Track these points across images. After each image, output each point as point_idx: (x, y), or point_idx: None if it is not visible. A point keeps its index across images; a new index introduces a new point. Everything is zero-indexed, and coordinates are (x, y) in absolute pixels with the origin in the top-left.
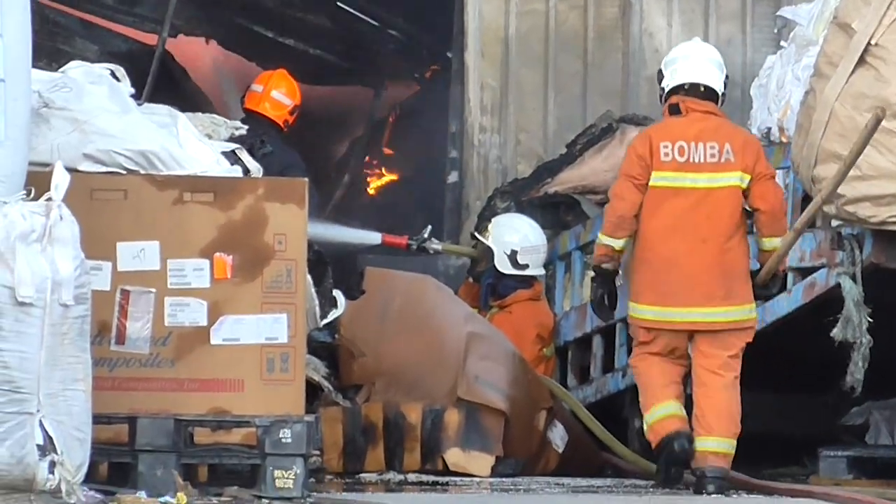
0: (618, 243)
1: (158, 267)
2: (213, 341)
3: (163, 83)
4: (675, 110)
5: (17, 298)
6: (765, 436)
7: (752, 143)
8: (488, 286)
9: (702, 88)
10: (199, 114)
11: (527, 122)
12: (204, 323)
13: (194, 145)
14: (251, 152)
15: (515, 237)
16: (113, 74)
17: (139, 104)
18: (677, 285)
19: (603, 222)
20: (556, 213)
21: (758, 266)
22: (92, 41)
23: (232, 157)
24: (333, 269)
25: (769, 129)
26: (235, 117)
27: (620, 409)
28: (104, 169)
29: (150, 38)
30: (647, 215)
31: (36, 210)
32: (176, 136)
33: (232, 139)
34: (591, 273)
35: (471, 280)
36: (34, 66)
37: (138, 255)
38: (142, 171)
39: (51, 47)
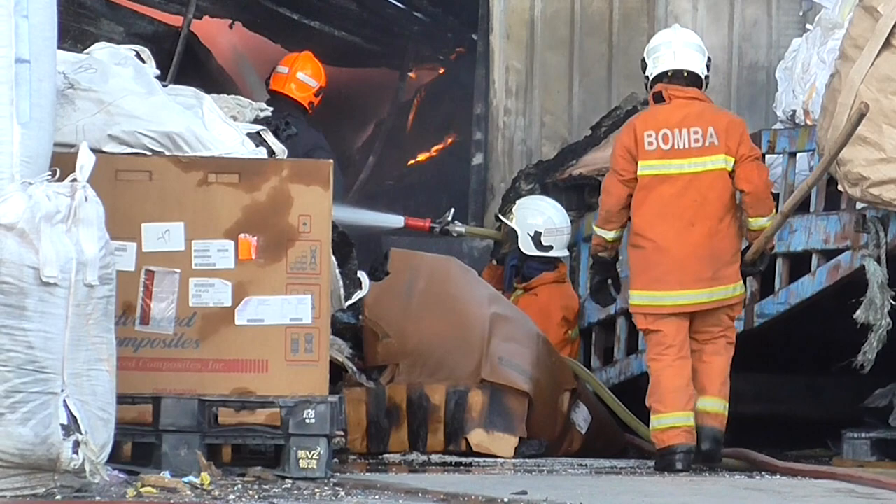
0: (609, 234)
1: (183, 248)
2: (237, 322)
3: (188, 65)
4: (659, 98)
5: (42, 279)
6: (789, 418)
7: (736, 126)
8: (512, 268)
9: (685, 74)
10: (225, 95)
11: (552, 105)
12: (228, 304)
13: (219, 127)
14: (276, 134)
15: (539, 219)
16: (138, 56)
17: (164, 86)
18: (667, 270)
19: (597, 214)
20: (581, 196)
21: (747, 244)
22: (117, 22)
23: (257, 138)
24: (358, 250)
25: (794, 111)
26: (259, 99)
27: (644, 391)
28: (129, 150)
29: (176, 20)
30: (636, 204)
31: (61, 191)
32: (201, 117)
33: (257, 121)
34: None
35: (494, 262)
36: (60, 47)
37: (163, 235)
38: (167, 153)
39: (76, 29)
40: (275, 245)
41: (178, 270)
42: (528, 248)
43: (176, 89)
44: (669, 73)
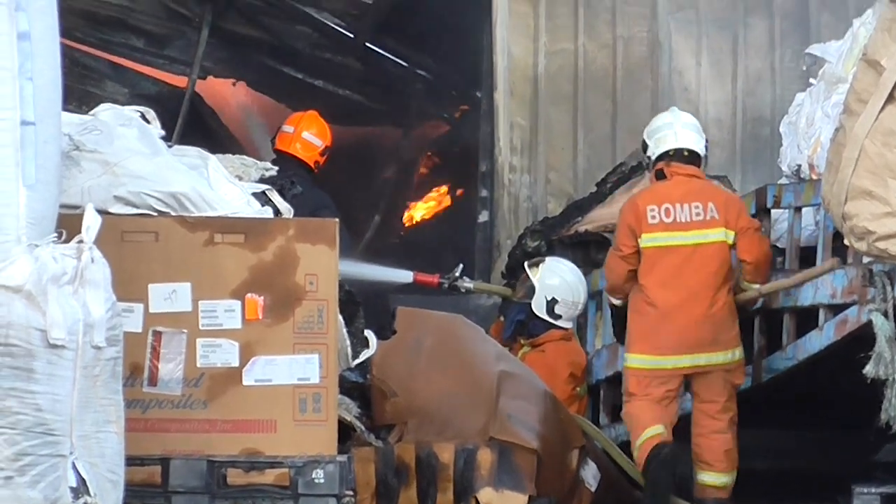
0: (619, 302)
1: (190, 308)
2: (245, 382)
3: (193, 124)
4: (660, 175)
5: (50, 341)
6: (798, 473)
7: (734, 201)
8: (518, 322)
9: (685, 153)
10: (230, 155)
11: (556, 161)
12: (236, 364)
13: (225, 187)
14: (282, 193)
15: (561, 287)
16: (143, 116)
17: (169, 146)
18: (669, 337)
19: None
20: (587, 252)
21: None
22: (122, 83)
23: (262, 198)
24: (365, 308)
25: (799, 166)
26: (265, 158)
27: None
28: (135, 211)
29: (180, 81)
30: (642, 273)
31: (67, 252)
32: (206, 177)
33: (262, 180)
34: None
35: (501, 318)
36: (64, 108)
37: (170, 296)
38: (172, 213)
39: (81, 90)
40: (282, 304)
41: (186, 331)
42: (539, 308)
43: (181, 149)
44: (671, 153)
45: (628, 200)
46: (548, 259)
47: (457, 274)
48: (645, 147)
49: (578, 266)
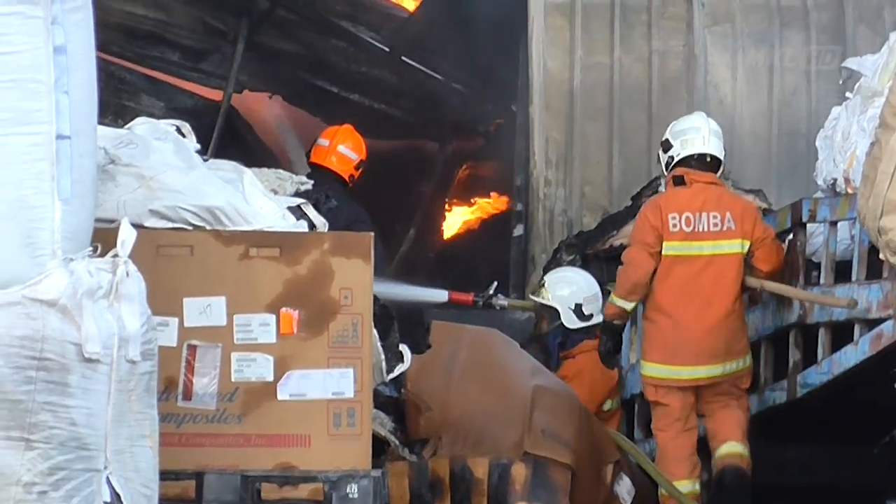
0: (629, 305)
1: (225, 322)
2: (279, 396)
3: (228, 138)
4: (679, 181)
5: (84, 355)
6: (831, 488)
7: (750, 211)
8: (559, 345)
9: (708, 159)
10: (265, 169)
11: (592, 175)
12: (270, 378)
13: (260, 200)
14: (317, 207)
15: (576, 290)
16: (179, 130)
17: (205, 160)
18: (684, 346)
19: (617, 285)
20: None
21: None
22: (157, 97)
23: (298, 211)
24: (399, 323)
25: (835, 180)
26: (300, 172)
27: None
28: (170, 225)
29: (216, 94)
30: (658, 280)
31: (102, 266)
32: (242, 191)
33: (297, 194)
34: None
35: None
36: (100, 122)
37: (205, 310)
38: (208, 227)
39: (117, 104)
40: (316, 318)
41: (220, 345)
42: (571, 321)
43: (216, 163)
44: (695, 157)
45: (650, 204)
46: (545, 279)
47: (491, 291)
48: (667, 146)
49: (613, 280)
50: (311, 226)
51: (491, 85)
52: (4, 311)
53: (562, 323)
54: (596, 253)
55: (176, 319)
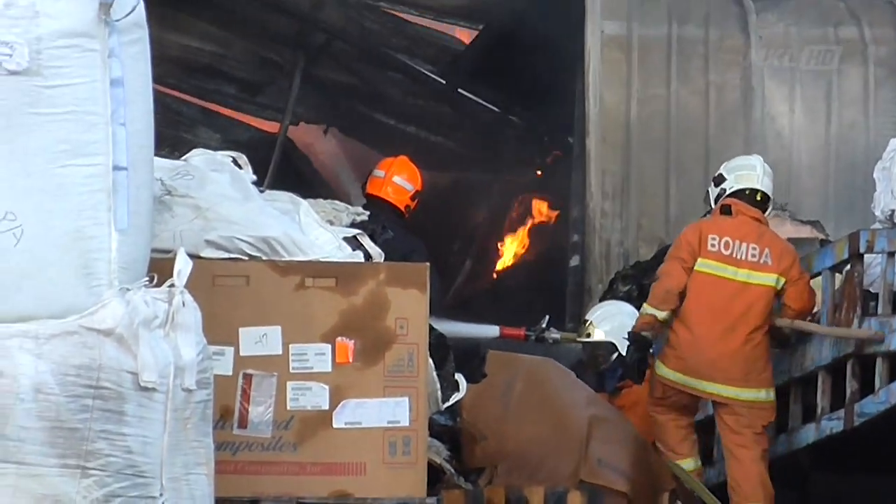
0: (661, 314)
1: (280, 352)
2: (335, 425)
3: (285, 170)
4: (726, 211)
5: (140, 384)
6: None
7: (790, 252)
8: (620, 377)
9: (758, 197)
10: (321, 200)
11: (648, 207)
12: (326, 407)
13: (316, 231)
14: (373, 238)
15: (627, 321)
16: (235, 162)
17: (261, 191)
18: (702, 364)
19: (650, 295)
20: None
21: None
22: (214, 129)
23: (354, 242)
24: (455, 352)
25: (893, 211)
26: (357, 203)
27: None
28: (226, 255)
29: (272, 126)
30: (689, 296)
31: (159, 296)
32: (298, 222)
33: (353, 225)
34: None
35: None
36: (157, 154)
37: (260, 339)
38: (264, 258)
39: (173, 136)
40: (372, 348)
41: (276, 374)
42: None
43: (273, 194)
44: (747, 192)
45: (692, 224)
46: (588, 317)
47: (543, 325)
48: (720, 180)
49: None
50: (367, 256)
51: (547, 117)
52: (62, 341)
53: (620, 354)
54: (652, 283)
55: (232, 348)
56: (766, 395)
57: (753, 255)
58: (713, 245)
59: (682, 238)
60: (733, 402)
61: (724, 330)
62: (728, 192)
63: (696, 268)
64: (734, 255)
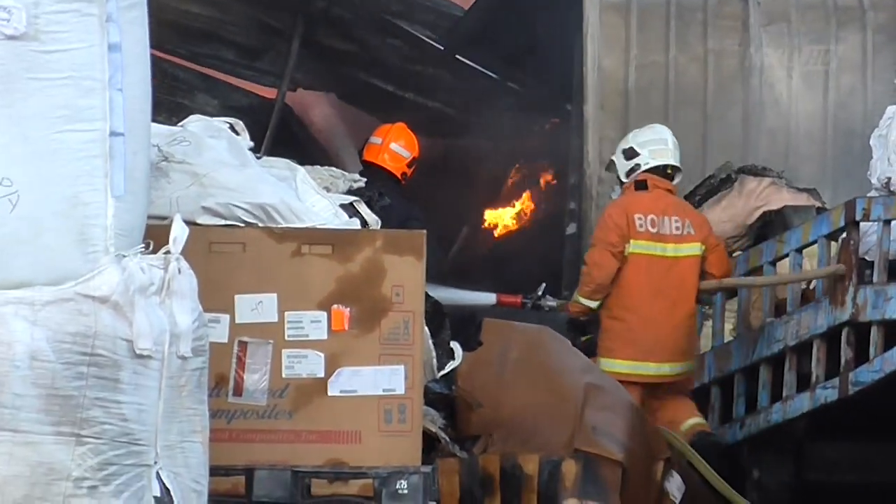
0: (594, 304)
1: (276, 319)
2: (330, 393)
3: (282, 136)
4: (641, 186)
5: (136, 351)
6: (886, 486)
7: (705, 220)
8: None
9: (669, 170)
10: (318, 167)
11: None
12: (321, 375)
13: (313, 198)
14: (370, 205)
15: None
16: (232, 128)
17: (258, 157)
18: (653, 343)
19: (581, 284)
20: None
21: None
22: (212, 95)
23: (350, 209)
24: (451, 320)
25: (889, 178)
26: (354, 169)
27: (737, 458)
28: (222, 222)
29: (270, 92)
30: (626, 279)
31: (155, 263)
32: (294, 189)
33: (350, 192)
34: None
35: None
36: (154, 120)
37: (256, 307)
38: (260, 224)
39: (170, 101)
40: (368, 316)
41: (272, 342)
42: None
43: (269, 161)
44: (661, 167)
45: (614, 203)
46: None
47: (539, 293)
48: (632, 154)
49: None
50: (364, 223)
51: (546, 84)
52: (57, 308)
53: None
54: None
55: (227, 316)
56: (690, 366)
57: (677, 228)
58: (641, 225)
59: (608, 220)
60: (674, 377)
61: (668, 307)
62: (644, 168)
63: (629, 251)
64: (661, 232)
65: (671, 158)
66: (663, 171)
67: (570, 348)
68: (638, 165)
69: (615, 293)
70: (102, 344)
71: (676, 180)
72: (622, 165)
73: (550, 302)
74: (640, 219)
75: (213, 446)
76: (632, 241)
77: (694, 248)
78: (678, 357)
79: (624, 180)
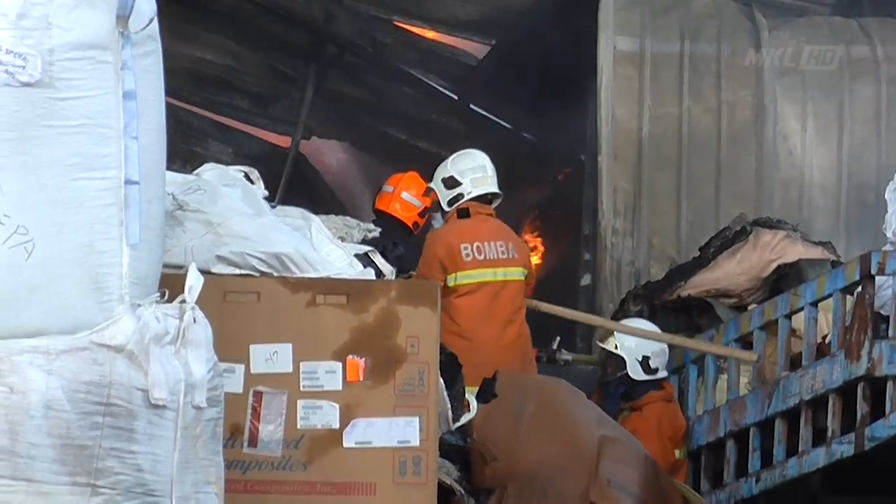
0: None
1: (291, 369)
2: (345, 444)
3: (296, 185)
4: (464, 214)
5: (151, 401)
6: None
7: (524, 243)
8: (621, 395)
9: (489, 197)
10: (333, 216)
11: (660, 225)
12: (336, 425)
13: (327, 248)
14: (384, 255)
15: (646, 343)
16: (247, 176)
17: (273, 206)
18: (486, 366)
19: None
20: (690, 317)
21: None
22: (226, 143)
23: (365, 259)
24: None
25: None
26: (367, 218)
27: None
28: (237, 271)
29: (284, 140)
30: (454, 307)
31: (170, 312)
32: (309, 238)
33: (365, 241)
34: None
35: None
36: (168, 168)
37: (271, 357)
38: (275, 274)
39: (185, 150)
40: (383, 366)
41: (287, 392)
42: (637, 373)
43: (284, 210)
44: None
45: (436, 235)
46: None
47: (554, 346)
48: (453, 184)
49: (681, 331)
50: (379, 273)
51: (559, 134)
52: (72, 357)
53: (627, 373)
54: (664, 304)
55: (242, 366)
56: None
57: (503, 252)
58: (468, 254)
59: (430, 256)
60: None
61: (499, 329)
62: (467, 198)
63: (456, 283)
64: (487, 257)
65: (492, 186)
66: (484, 198)
67: (585, 401)
68: (461, 195)
69: (444, 320)
70: (117, 393)
71: (495, 204)
72: (444, 194)
73: (566, 356)
74: (465, 248)
75: (228, 497)
76: (458, 273)
77: (517, 273)
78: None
79: (446, 209)
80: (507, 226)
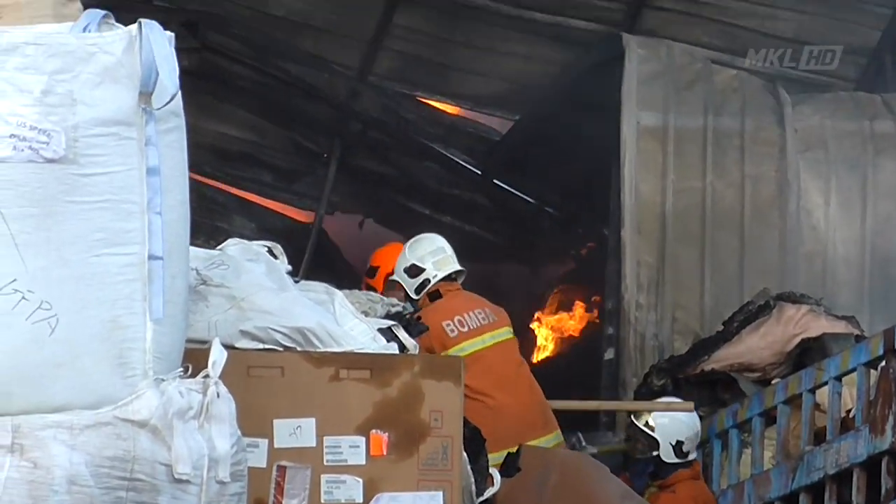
0: None
1: (314, 444)
2: None
3: (320, 260)
4: (436, 296)
5: (175, 476)
6: None
7: (498, 306)
8: (650, 474)
9: (453, 275)
10: (356, 291)
11: (683, 300)
12: (360, 500)
13: (351, 322)
14: (407, 329)
15: (682, 427)
16: (270, 252)
17: (296, 281)
18: (516, 427)
19: None
20: (713, 391)
21: None
22: (249, 219)
23: (388, 333)
24: None
25: None
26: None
27: None
28: (261, 346)
29: (307, 216)
30: (473, 376)
31: (193, 387)
32: (332, 313)
33: (388, 316)
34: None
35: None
36: (192, 243)
37: (294, 432)
38: (298, 348)
39: (209, 225)
40: (406, 441)
41: (310, 467)
42: (668, 456)
43: (308, 285)
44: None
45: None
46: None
47: (574, 441)
48: (417, 271)
49: (704, 405)
50: (402, 348)
51: (583, 208)
52: (95, 432)
53: (658, 455)
54: (687, 378)
55: (266, 440)
56: (560, 436)
57: (484, 319)
58: (452, 330)
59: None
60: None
61: (512, 387)
62: (434, 282)
63: (463, 354)
64: (471, 327)
65: (454, 264)
66: (448, 277)
67: (609, 475)
68: (427, 280)
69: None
70: (141, 468)
71: (460, 280)
72: (409, 283)
73: (591, 449)
74: (448, 325)
75: None
76: (453, 348)
77: (505, 333)
78: (535, 432)
79: (415, 297)
80: (475, 294)
